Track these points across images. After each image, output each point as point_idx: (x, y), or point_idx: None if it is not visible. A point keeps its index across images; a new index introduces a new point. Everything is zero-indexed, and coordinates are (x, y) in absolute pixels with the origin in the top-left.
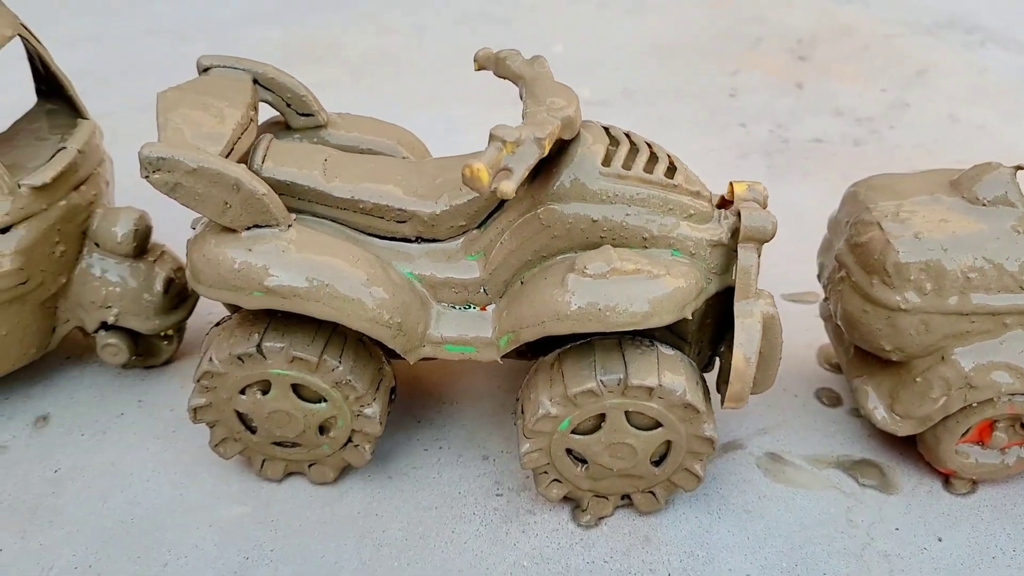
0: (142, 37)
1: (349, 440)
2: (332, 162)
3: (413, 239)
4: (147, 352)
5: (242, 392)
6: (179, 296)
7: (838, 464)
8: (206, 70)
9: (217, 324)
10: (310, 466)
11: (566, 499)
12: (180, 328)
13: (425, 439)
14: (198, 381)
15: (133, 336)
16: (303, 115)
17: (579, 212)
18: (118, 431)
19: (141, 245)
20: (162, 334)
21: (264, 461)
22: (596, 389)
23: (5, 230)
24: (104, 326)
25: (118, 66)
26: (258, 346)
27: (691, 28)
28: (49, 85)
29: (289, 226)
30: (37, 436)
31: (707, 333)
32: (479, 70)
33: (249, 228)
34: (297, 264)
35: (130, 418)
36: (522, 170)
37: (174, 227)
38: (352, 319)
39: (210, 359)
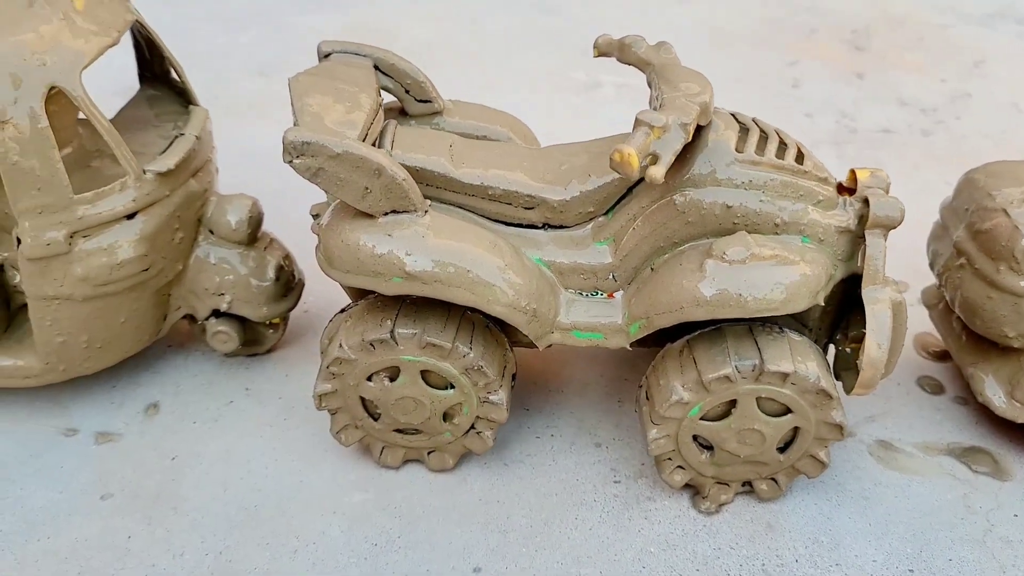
0: (199, 24)
1: (471, 427)
2: (457, 148)
3: (540, 225)
4: (252, 340)
5: (369, 379)
6: (287, 284)
7: (949, 451)
8: (327, 56)
9: (342, 311)
10: (429, 453)
11: (685, 486)
12: (285, 316)
13: (536, 426)
14: (327, 368)
15: (241, 324)
16: (421, 101)
17: (714, 198)
18: (229, 419)
19: (254, 232)
20: (268, 322)
21: (383, 448)
22: (731, 375)
23: (131, 216)
24: (215, 313)
25: (176, 53)
26: (391, 332)
27: (743, 17)
28: (153, 71)
29: (425, 212)
30: (150, 424)
31: (826, 320)
32: (599, 56)
33: (387, 214)
34: (437, 250)
35: (240, 406)
36: (669, 155)
37: None
38: (491, 305)
39: (340, 345)
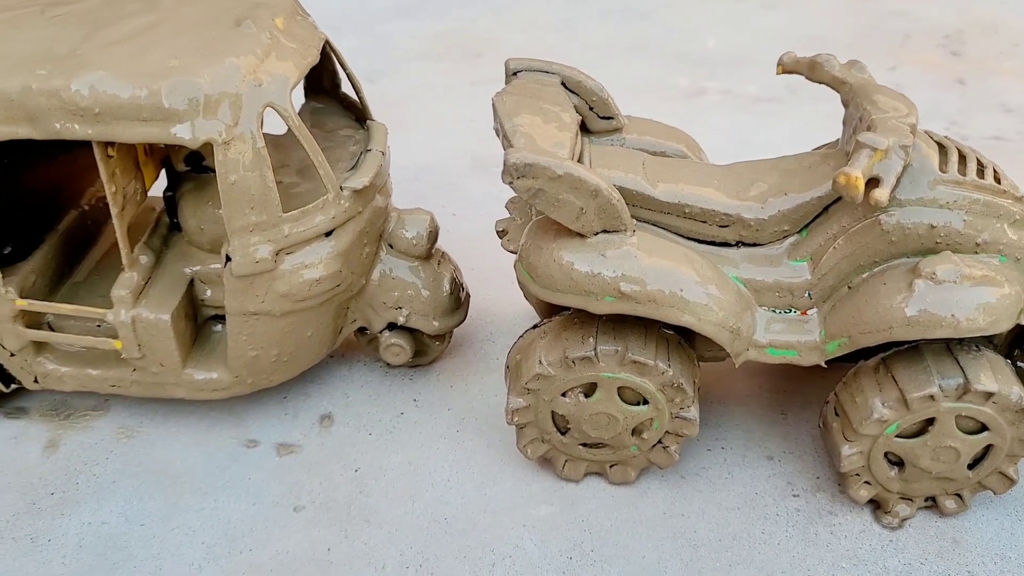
0: None
1: (658, 441)
2: (649, 166)
3: (733, 243)
4: (418, 352)
5: (564, 394)
6: (458, 297)
7: None
8: (515, 73)
9: (534, 328)
10: (611, 466)
11: (868, 500)
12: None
13: (706, 439)
14: (523, 384)
15: (412, 336)
16: (604, 118)
17: (919, 218)
18: (404, 430)
19: (431, 247)
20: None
21: (566, 461)
22: (936, 394)
23: (328, 233)
24: (389, 326)
25: None
26: (594, 350)
27: (833, 23)
28: (321, 85)
29: (633, 231)
30: (327, 435)
31: (1007, 338)
32: (783, 74)
33: (596, 233)
34: (649, 270)
35: (411, 417)
36: (892, 178)
37: None
38: (703, 324)
39: (540, 362)
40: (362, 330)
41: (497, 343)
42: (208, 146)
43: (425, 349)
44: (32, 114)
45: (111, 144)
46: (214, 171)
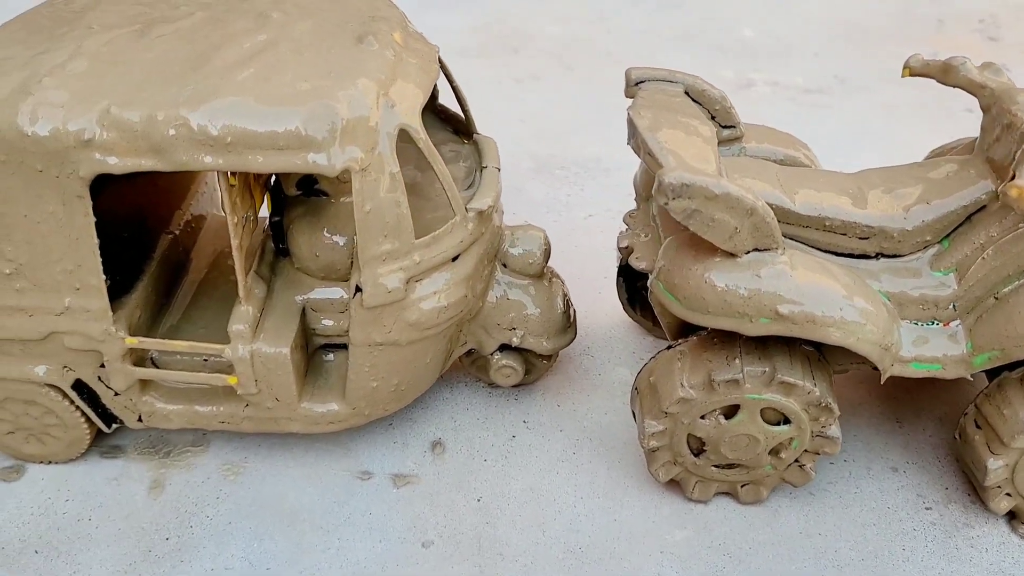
0: None
1: (795, 460)
2: (782, 177)
3: (872, 255)
4: (525, 372)
5: (702, 417)
6: (568, 316)
7: None
8: (638, 83)
9: (668, 348)
10: (742, 486)
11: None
12: None
13: None
14: (663, 408)
15: (522, 357)
16: (726, 127)
17: None
18: (519, 455)
19: (545, 264)
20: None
21: (696, 483)
22: None
23: (455, 258)
24: (500, 348)
25: None
26: (741, 371)
27: (866, 9)
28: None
29: (783, 249)
30: (441, 464)
31: None
32: (910, 76)
33: (747, 252)
34: (805, 288)
35: (524, 440)
36: None
37: None
38: (860, 343)
39: (682, 385)
40: (468, 351)
41: (596, 357)
42: (344, 172)
43: (531, 369)
44: (158, 145)
45: (232, 172)
46: (326, 195)
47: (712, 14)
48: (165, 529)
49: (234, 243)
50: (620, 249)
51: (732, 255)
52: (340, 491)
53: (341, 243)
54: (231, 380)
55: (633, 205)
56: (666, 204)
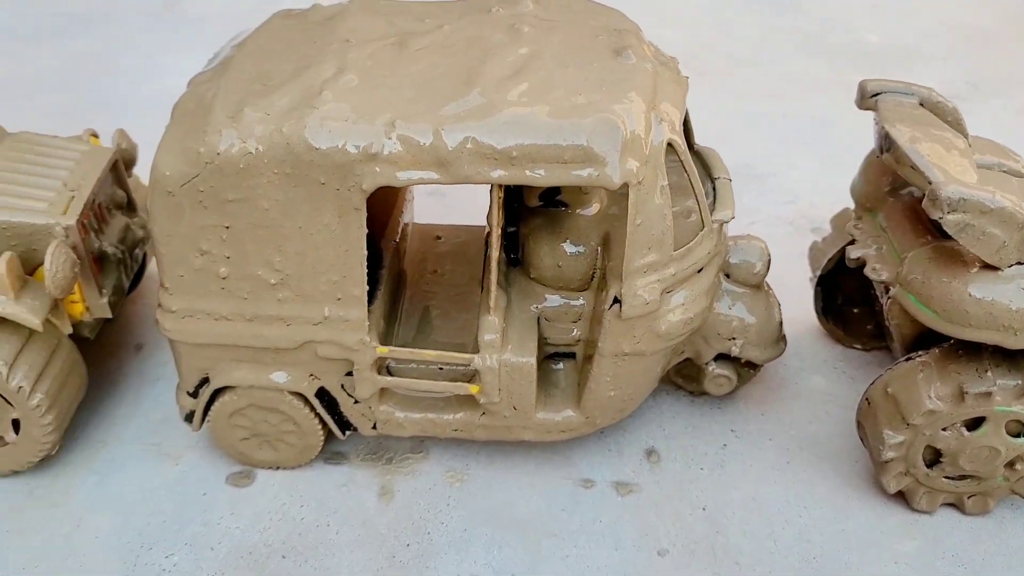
0: None
1: None
2: (1021, 189)
3: None
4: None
5: (943, 429)
6: (781, 325)
7: None
8: (874, 95)
9: (907, 360)
10: (969, 497)
11: None
12: None
13: None
14: (908, 420)
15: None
16: None
17: None
18: (733, 464)
19: (766, 274)
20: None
21: (923, 493)
22: None
23: (700, 270)
24: (717, 357)
25: None
26: (994, 384)
27: (990, 13)
28: None
29: None
30: (660, 472)
31: None
32: None
33: (1010, 265)
34: None
35: (735, 449)
36: None
37: None
38: None
39: (929, 397)
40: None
41: (789, 366)
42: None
43: (740, 379)
44: (443, 159)
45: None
46: (566, 206)
47: (830, 17)
48: (404, 535)
49: (493, 255)
50: (851, 260)
51: (994, 268)
52: (566, 499)
53: (583, 254)
54: (473, 389)
55: (797, 212)
56: (941, 218)
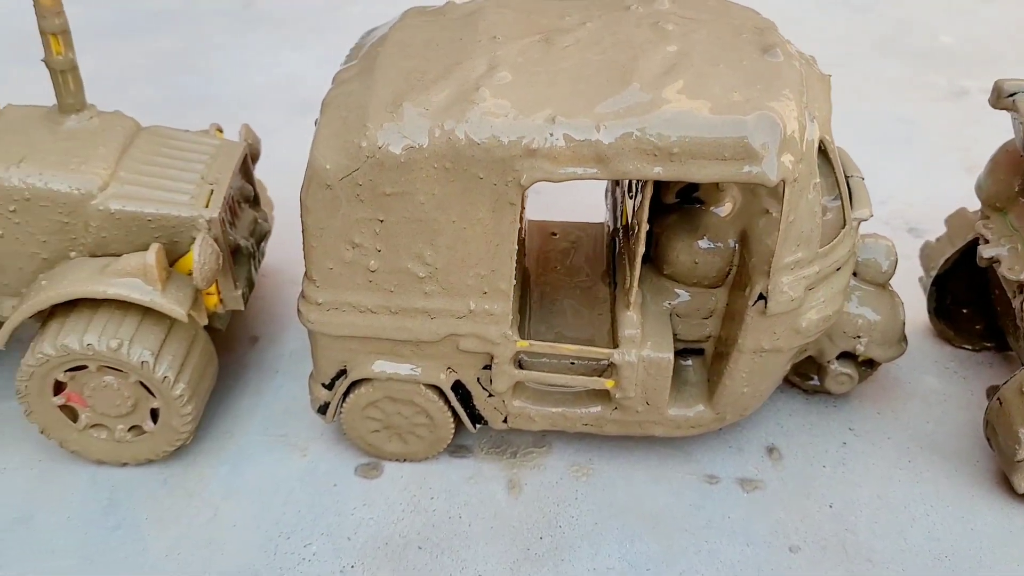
0: None
1: None
2: None
3: None
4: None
5: None
6: (904, 324)
7: None
8: (1011, 95)
9: None
10: None
11: None
12: None
13: None
14: None
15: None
16: None
17: None
18: (855, 461)
19: (893, 275)
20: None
21: None
22: None
23: (839, 268)
24: (839, 355)
25: None
26: None
27: None
28: None
29: None
30: (782, 469)
31: None
32: None
33: None
34: None
35: (855, 447)
36: None
37: None
38: None
39: None
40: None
41: (901, 366)
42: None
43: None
44: (603, 155)
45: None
46: (701, 203)
47: (903, 19)
48: (536, 528)
49: (638, 251)
50: (984, 259)
51: None
52: (693, 495)
53: (720, 250)
54: (609, 384)
55: (892, 212)
56: None
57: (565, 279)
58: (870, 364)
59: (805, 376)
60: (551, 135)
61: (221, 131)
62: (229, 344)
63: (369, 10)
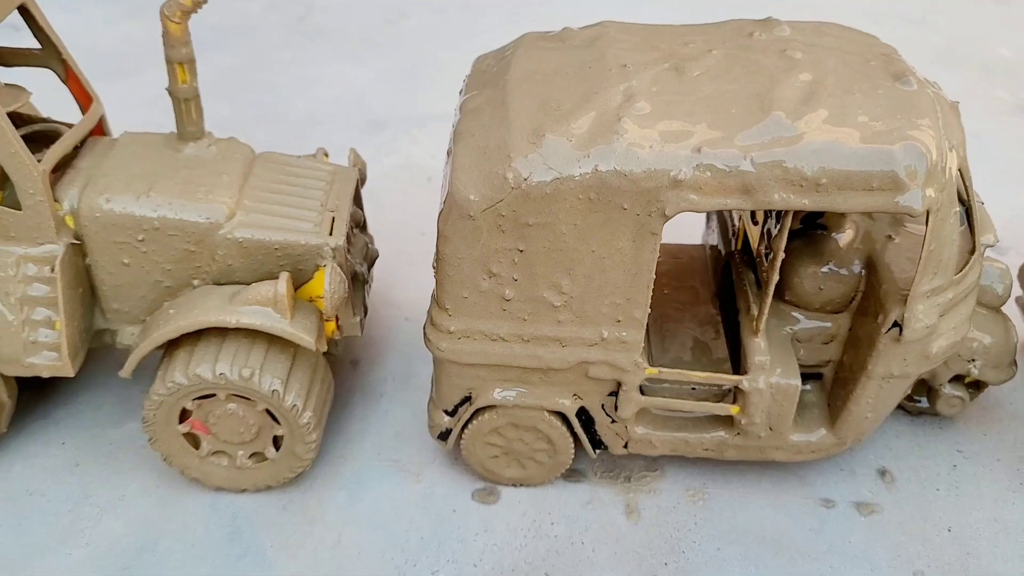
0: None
1: None
2: None
3: None
4: None
5: None
6: (1016, 347)
7: None
8: None
9: None
10: None
11: None
12: None
13: None
14: None
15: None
16: None
17: None
18: (968, 484)
19: (1007, 299)
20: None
21: None
22: None
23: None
24: (952, 378)
25: None
26: None
27: None
28: None
29: None
30: (898, 492)
31: None
32: None
33: None
34: None
35: (966, 470)
36: None
37: None
38: None
39: None
40: None
41: (1001, 386)
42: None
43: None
44: (749, 185)
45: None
46: (825, 229)
47: (955, 31)
48: (659, 554)
49: (772, 278)
50: None
51: None
52: (811, 519)
53: (846, 277)
54: (734, 410)
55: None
56: None
57: (672, 302)
58: (977, 386)
59: (911, 398)
60: (696, 166)
61: (327, 155)
62: (333, 368)
63: (424, 22)
